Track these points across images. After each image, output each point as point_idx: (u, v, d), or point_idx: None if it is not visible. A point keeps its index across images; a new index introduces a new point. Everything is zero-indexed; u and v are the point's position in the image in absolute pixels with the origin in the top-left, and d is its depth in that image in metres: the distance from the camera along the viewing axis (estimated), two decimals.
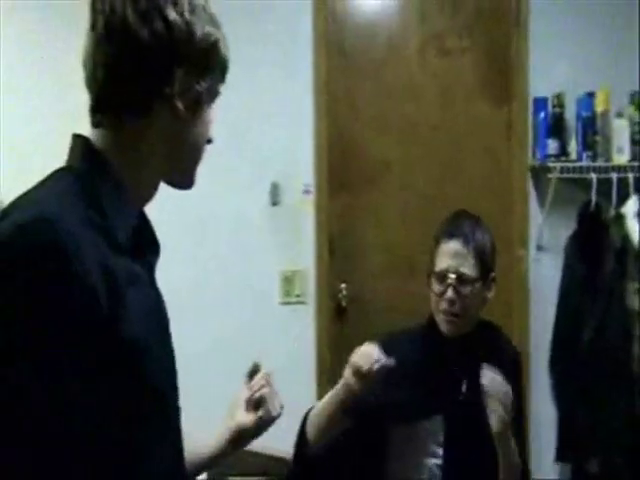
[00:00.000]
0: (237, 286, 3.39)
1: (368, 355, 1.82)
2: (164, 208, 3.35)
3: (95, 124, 1.09)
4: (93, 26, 1.06)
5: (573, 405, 3.40)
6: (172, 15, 1.04)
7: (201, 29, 1.07)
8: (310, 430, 2.01)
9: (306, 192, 3.43)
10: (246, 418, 1.40)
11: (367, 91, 3.58)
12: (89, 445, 0.94)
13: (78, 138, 1.09)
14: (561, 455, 3.46)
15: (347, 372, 1.86)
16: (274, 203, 3.41)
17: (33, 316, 0.90)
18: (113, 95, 1.06)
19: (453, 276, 1.98)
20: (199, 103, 1.10)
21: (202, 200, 3.34)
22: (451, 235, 2.02)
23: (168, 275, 3.57)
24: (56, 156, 1.13)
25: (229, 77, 3.74)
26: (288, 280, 3.43)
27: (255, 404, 1.41)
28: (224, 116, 3.86)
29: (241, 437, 1.40)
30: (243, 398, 1.43)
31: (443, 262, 2.01)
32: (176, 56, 1.05)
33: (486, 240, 2.04)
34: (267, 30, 3.44)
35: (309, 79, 3.45)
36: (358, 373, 1.83)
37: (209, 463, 1.38)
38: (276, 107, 3.43)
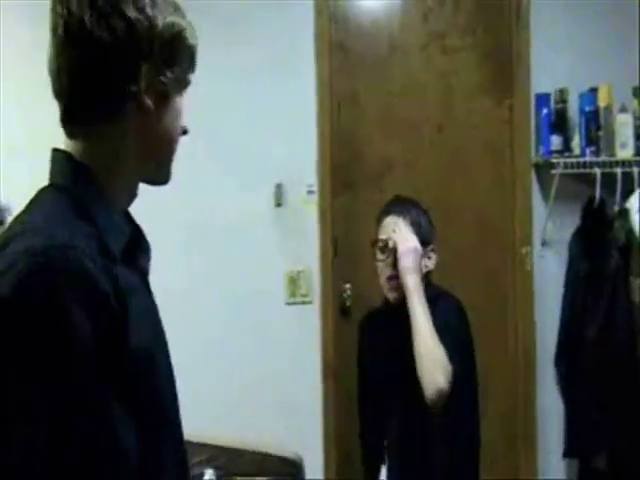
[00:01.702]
0: (242, 287, 3.40)
1: None
2: (170, 210, 3.38)
3: (69, 135, 1.07)
4: (54, 31, 1.04)
5: (580, 401, 3.40)
6: (132, 12, 1.02)
7: (163, 21, 1.05)
8: None
9: (310, 192, 3.44)
10: None
11: (370, 90, 3.58)
12: (102, 458, 0.93)
13: (58, 153, 1.08)
14: (569, 451, 3.46)
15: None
16: (278, 204, 3.42)
17: (57, 337, 0.90)
18: (81, 102, 1.05)
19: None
20: (166, 95, 1.08)
21: (206, 202, 3.36)
22: (388, 212, 2.37)
23: (174, 276, 3.58)
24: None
25: (231, 79, 3.72)
26: (293, 280, 3.44)
27: None
28: (227, 117, 3.86)
29: None
30: None
31: (383, 234, 2.34)
32: (139, 53, 1.03)
33: (421, 216, 2.36)
34: (270, 30, 3.43)
35: (312, 79, 3.45)
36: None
37: None
38: (279, 108, 3.43)
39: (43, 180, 1.09)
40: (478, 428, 2.32)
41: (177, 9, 1.07)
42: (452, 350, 2.13)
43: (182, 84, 1.10)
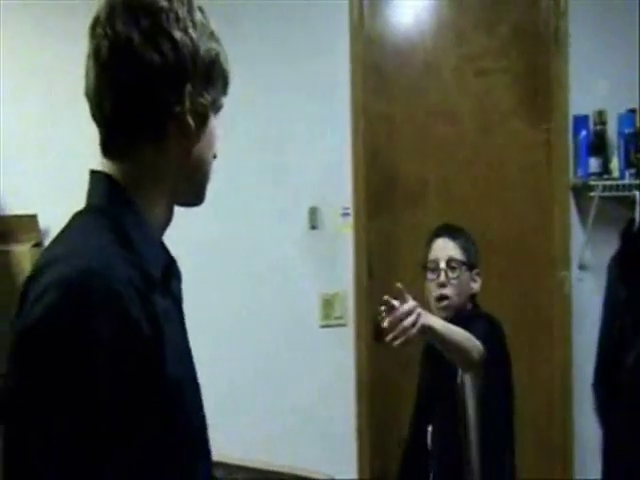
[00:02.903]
0: (278, 309, 3.40)
1: None
2: (205, 232, 3.39)
3: (107, 156, 1.06)
4: (96, 54, 1.03)
5: (619, 428, 3.33)
6: (177, 34, 1.02)
7: (204, 44, 1.06)
8: None
9: (345, 215, 3.44)
10: None
11: (404, 112, 3.58)
12: None
13: (97, 174, 1.07)
14: (607, 478, 3.39)
15: None
16: (313, 227, 3.42)
17: (83, 364, 0.89)
18: (125, 124, 1.04)
19: (443, 262, 2.41)
20: (206, 117, 1.08)
21: (241, 225, 3.37)
22: (438, 234, 2.50)
23: (209, 299, 3.59)
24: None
25: (266, 101, 3.74)
26: (328, 303, 3.43)
27: None
28: (262, 141, 3.88)
29: None
30: None
31: (434, 254, 2.46)
32: (184, 74, 1.04)
33: (470, 242, 2.49)
34: (304, 53, 3.46)
35: (346, 101, 3.46)
36: None
37: None
38: (313, 130, 3.44)
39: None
40: (512, 437, 2.40)
41: (213, 34, 1.08)
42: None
43: (217, 106, 1.11)
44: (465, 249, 2.45)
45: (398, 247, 3.53)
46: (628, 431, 3.25)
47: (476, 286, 2.48)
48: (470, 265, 2.44)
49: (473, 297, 2.48)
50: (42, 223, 3.14)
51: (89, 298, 0.90)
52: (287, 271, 3.41)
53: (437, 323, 2.17)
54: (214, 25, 1.09)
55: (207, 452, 1.10)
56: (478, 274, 2.49)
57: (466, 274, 2.43)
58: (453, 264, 2.42)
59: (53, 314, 0.90)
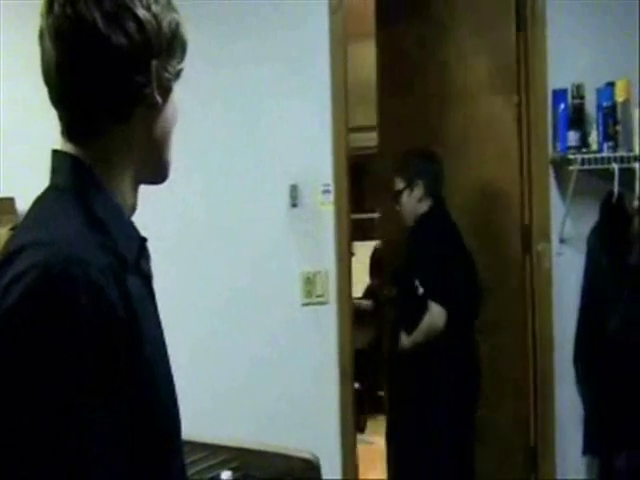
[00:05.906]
0: (259, 288, 3.39)
1: None
2: (185, 211, 3.37)
3: (71, 139, 1.03)
4: (57, 33, 0.98)
5: (599, 398, 3.37)
6: (141, 12, 0.99)
7: (165, 18, 1.03)
8: None
9: (326, 192, 3.42)
10: None
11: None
12: (102, 473, 0.90)
13: (61, 154, 1.03)
14: (588, 448, 3.43)
15: None
16: (294, 204, 3.40)
17: (58, 350, 0.87)
18: (92, 108, 1.01)
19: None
20: (170, 89, 1.06)
21: (222, 203, 3.36)
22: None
23: (189, 278, 3.57)
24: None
25: (246, 79, 3.70)
26: (309, 281, 3.43)
27: None
28: (241, 118, 3.85)
29: None
30: None
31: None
32: (150, 52, 1.01)
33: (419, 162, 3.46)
34: (284, 27, 3.42)
35: (327, 78, 3.43)
36: None
37: None
38: (293, 106, 3.41)
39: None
40: None
41: (170, 3, 1.05)
42: None
43: (178, 76, 1.09)
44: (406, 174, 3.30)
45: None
46: (610, 400, 3.29)
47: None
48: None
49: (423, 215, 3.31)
50: (19, 207, 3.12)
51: (69, 285, 0.88)
52: (268, 249, 3.40)
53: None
54: None
55: (178, 429, 1.08)
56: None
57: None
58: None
59: (31, 299, 0.88)
